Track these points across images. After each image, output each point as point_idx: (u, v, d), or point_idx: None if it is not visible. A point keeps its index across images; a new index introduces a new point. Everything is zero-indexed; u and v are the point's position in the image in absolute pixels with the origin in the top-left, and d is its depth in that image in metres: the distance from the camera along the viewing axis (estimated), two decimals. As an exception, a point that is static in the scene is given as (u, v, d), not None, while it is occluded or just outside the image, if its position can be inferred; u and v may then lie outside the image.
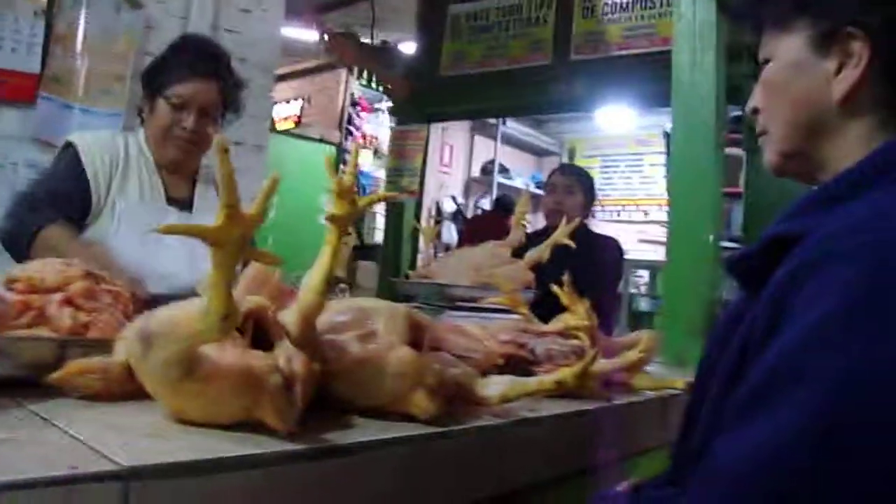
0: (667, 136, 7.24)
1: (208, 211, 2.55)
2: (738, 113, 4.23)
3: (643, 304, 7.10)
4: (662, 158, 8.80)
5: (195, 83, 2.49)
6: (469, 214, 10.23)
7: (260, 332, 1.12)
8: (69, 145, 2.47)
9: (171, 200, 2.56)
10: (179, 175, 2.62)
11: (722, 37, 3.01)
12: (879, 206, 1.03)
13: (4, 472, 0.78)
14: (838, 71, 1.20)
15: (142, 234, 2.34)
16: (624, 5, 4.94)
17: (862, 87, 1.18)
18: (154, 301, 2.07)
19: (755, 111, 1.35)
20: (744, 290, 1.23)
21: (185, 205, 2.61)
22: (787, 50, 1.27)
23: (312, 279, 1.12)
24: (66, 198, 2.37)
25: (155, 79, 2.54)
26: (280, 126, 8.99)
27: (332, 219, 1.11)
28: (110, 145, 2.49)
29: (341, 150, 9.41)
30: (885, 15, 1.16)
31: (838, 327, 0.90)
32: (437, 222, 8.85)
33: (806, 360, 0.91)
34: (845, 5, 1.19)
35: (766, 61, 1.32)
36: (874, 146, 1.17)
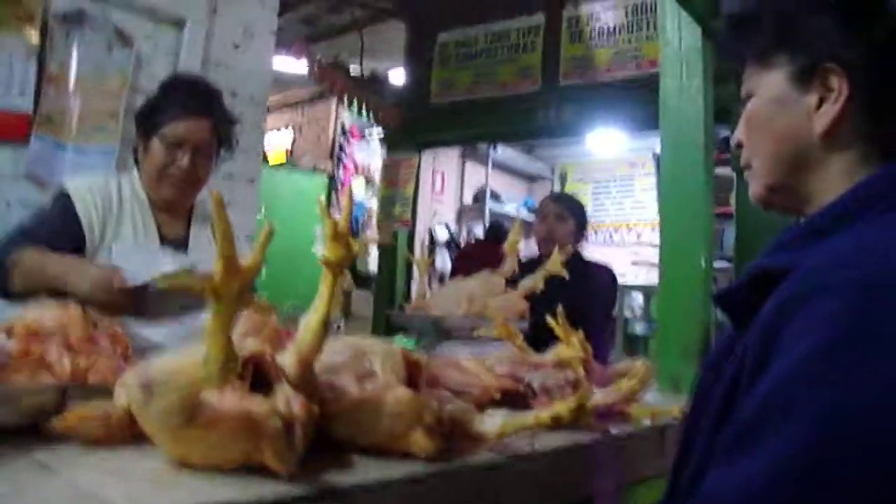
0: (657, 158, 7.29)
1: (203, 250, 2.56)
2: (728, 134, 4.26)
3: (638, 328, 7.11)
4: (653, 181, 8.85)
5: (189, 122, 2.50)
6: (462, 241, 10.24)
7: (259, 375, 1.13)
8: (62, 193, 2.48)
9: (165, 240, 2.56)
10: (173, 214, 2.62)
11: (709, 61, 3.04)
12: (862, 239, 1.05)
13: (9, 523, 0.80)
14: (819, 105, 1.22)
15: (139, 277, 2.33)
16: (611, 30, 4.99)
17: (842, 122, 1.20)
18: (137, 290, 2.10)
19: (739, 145, 1.38)
20: (733, 323, 1.24)
21: (180, 244, 2.61)
22: (768, 85, 1.29)
23: (310, 321, 1.13)
24: (56, 240, 2.35)
25: (149, 119, 2.54)
26: (272, 156, 9.01)
27: (327, 263, 1.12)
28: (104, 191, 2.49)
29: (333, 180, 9.44)
30: (861, 50, 1.19)
31: (823, 361, 0.92)
32: (431, 251, 8.86)
33: (793, 394, 0.92)
34: (823, 41, 1.22)
35: (749, 96, 1.34)
36: (857, 179, 1.19)
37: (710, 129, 3.06)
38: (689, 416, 1.31)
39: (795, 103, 1.24)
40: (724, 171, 4.06)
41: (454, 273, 6.29)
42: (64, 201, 2.45)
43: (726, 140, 4.27)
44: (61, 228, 2.40)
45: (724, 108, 3.24)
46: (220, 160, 2.66)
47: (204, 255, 2.59)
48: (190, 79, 2.74)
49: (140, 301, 2.12)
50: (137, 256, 2.41)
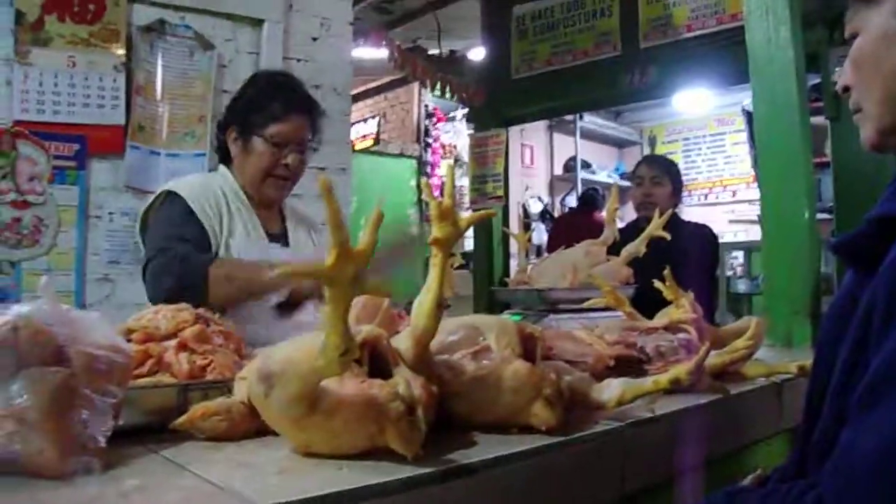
0: (747, 113, 7.11)
1: (302, 246, 2.57)
2: (817, 81, 4.14)
3: (741, 286, 6.97)
4: (744, 136, 8.65)
5: (293, 121, 2.50)
6: (556, 213, 10.17)
7: (376, 360, 1.13)
8: (173, 195, 2.46)
9: (269, 236, 2.57)
10: (270, 211, 2.64)
11: (796, 7, 2.94)
12: None
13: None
14: None
15: None
16: (687, -13, 4.88)
17: None
18: None
19: (846, 89, 1.31)
20: (854, 271, 1.19)
21: (282, 240, 2.63)
22: (875, 23, 1.22)
23: (423, 303, 1.12)
24: (198, 239, 2.38)
25: (248, 118, 2.53)
26: (359, 145, 9.08)
27: (436, 242, 1.11)
28: (208, 190, 2.50)
29: (421, 163, 9.46)
30: None
31: None
32: (527, 226, 8.82)
33: None
34: None
35: (854, 36, 1.27)
36: None
37: (803, 78, 2.96)
38: (814, 371, 1.27)
39: None
40: (818, 119, 3.94)
41: (551, 245, 6.24)
42: (180, 204, 2.43)
43: (817, 87, 4.14)
44: (195, 230, 2.40)
45: (814, 55, 3.14)
46: (312, 153, 2.66)
47: (303, 251, 2.61)
48: (284, 77, 2.73)
49: None
50: (253, 251, 2.43)
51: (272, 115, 2.49)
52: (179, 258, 2.29)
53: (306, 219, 2.81)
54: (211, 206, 2.45)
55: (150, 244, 2.44)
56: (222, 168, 2.64)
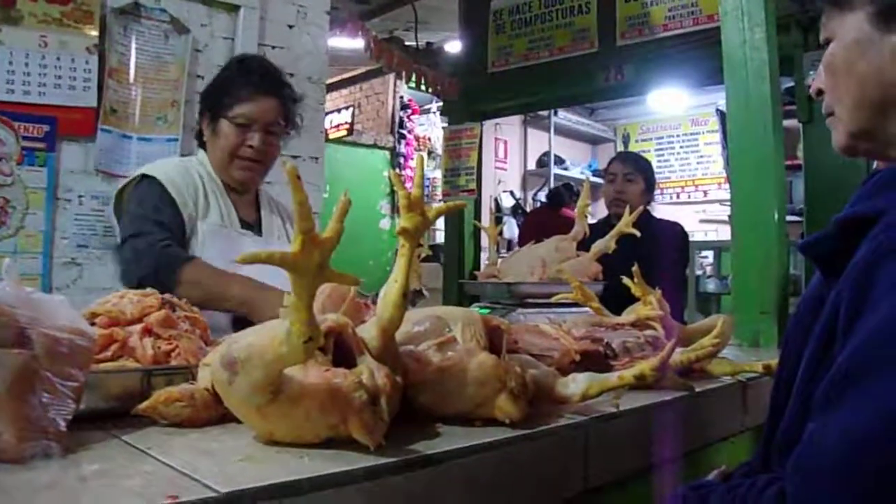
0: (720, 113, 7.15)
1: (274, 235, 2.57)
2: (791, 84, 4.17)
3: (710, 286, 7.02)
4: (718, 137, 8.71)
5: (259, 102, 2.49)
6: (528, 208, 10.20)
7: (341, 349, 1.13)
8: (150, 178, 2.46)
9: (242, 223, 2.57)
10: (245, 198, 2.63)
11: (771, 10, 2.96)
12: None
13: (106, 504, 0.80)
14: None
15: (223, 258, 2.30)
16: (664, -14, 4.90)
17: None
18: None
19: (819, 93, 1.32)
20: (822, 272, 1.21)
21: (255, 228, 2.62)
22: (848, 28, 1.24)
23: (389, 293, 1.12)
24: (173, 225, 2.38)
25: (216, 101, 2.54)
26: (332, 135, 9.05)
27: (403, 232, 1.11)
28: (185, 175, 2.49)
29: (395, 155, 9.46)
30: None
31: None
32: (498, 220, 8.84)
33: (893, 342, 0.89)
34: None
35: (828, 41, 1.29)
36: None
37: (776, 80, 2.98)
38: (780, 369, 1.28)
39: (878, 44, 1.19)
40: (790, 122, 3.97)
41: (522, 240, 6.25)
42: (157, 187, 2.43)
43: (790, 90, 4.18)
44: (171, 215, 2.39)
45: (788, 58, 3.16)
46: (286, 140, 2.65)
47: (276, 241, 2.60)
48: (254, 59, 2.73)
49: None
50: (221, 237, 2.43)
51: (238, 97, 2.49)
52: (160, 246, 2.29)
53: (282, 208, 2.79)
54: (188, 191, 2.45)
55: (127, 224, 2.43)
56: (200, 153, 2.64)
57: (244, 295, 2.18)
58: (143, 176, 2.47)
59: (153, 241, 2.29)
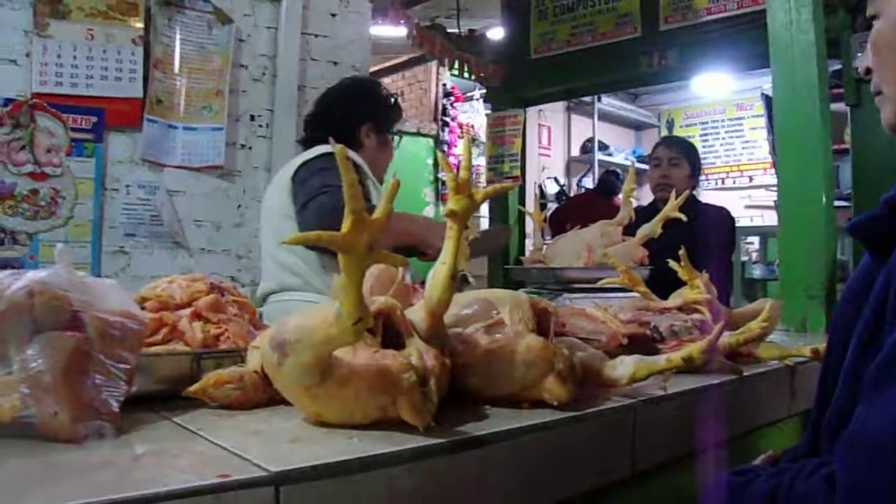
0: (766, 98, 7.06)
1: None
2: (838, 67, 4.10)
3: (756, 271, 6.96)
4: (763, 121, 8.60)
5: None
6: (571, 194, 10.15)
7: (390, 331, 1.13)
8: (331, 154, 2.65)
9: None
10: None
11: (817, -10, 2.91)
12: None
13: (158, 482, 0.81)
14: None
15: None
16: (709, -32, 4.84)
17: None
18: None
19: (868, 71, 1.29)
20: (870, 253, 1.19)
21: None
22: (894, 5, 1.21)
23: (438, 274, 1.12)
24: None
25: (391, 118, 3.09)
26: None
27: (451, 214, 1.11)
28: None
29: (438, 142, 9.44)
30: None
31: None
32: (543, 206, 8.81)
33: None
34: None
35: (874, 18, 1.26)
36: None
37: (823, 63, 2.93)
38: (828, 353, 1.26)
39: None
40: (837, 106, 3.90)
41: (555, 225, 6.22)
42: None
43: (837, 73, 4.11)
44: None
45: (834, 41, 3.10)
46: None
47: None
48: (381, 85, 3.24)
49: None
50: None
51: (395, 118, 3.11)
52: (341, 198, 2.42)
53: None
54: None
55: (312, 186, 2.62)
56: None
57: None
58: (327, 153, 2.74)
59: (339, 196, 2.37)
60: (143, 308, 1.35)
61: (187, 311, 1.44)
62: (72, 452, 0.93)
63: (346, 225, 0.92)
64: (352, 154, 2.78)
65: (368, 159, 2.89)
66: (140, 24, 3.81)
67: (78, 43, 3.66)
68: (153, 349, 1.32)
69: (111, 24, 3.74)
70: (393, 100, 3.11)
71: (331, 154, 2.53)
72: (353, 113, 2.97)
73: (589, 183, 10.20)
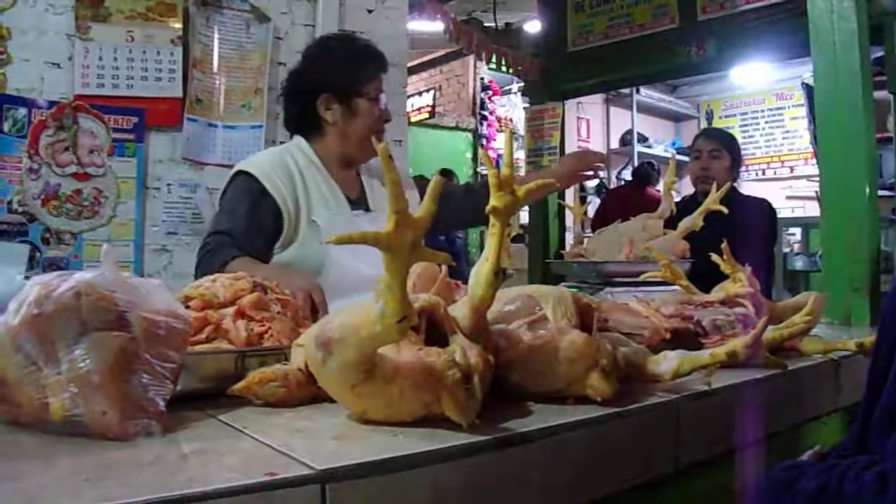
0: (806, 87, 6.98)
1: (381, 203, 2.58)
2: (881, 53, 4.04)
3: (798, 263, 6.88)
4: (803, 111, 8.51)
5: (380, 76, 2.59)
6: (611, 186, 10.12)
7: (433, 328, 1.13)
8: (245, 174, 2.47)
9: (350, 203, 2.59)
10: (348, 175, 2.65)
11: (860, -24, 2.87)
12: None
13: (207, 480, 0.83)
14: None
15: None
16: (747, -43, 4.79)
17: None
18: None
19: None
20: None
21: (363, 204, 2.65)
22: None
23: (481, 272, 1.12)
24: (257, 230, 2.39)
25: (346, 82, 2.56)
26: (414, 118, 9.09)
27: (494, 211, 1.10)
28: (283, 166, 2.50)
29: (477, 136, 9.45)
30: None
31: None
32: (583, 199, 8.78)
33: None
34: None
35: None
36: None
37: (866, 50, 2.89)
38: (877, 348, 1.25)
39: None
40: (881, 94, 3.85)
41: (597, 220, 6.20)
42: (250, 183, 2.45)
43: (879, 59, 4.05)
44: (262, 217, 2.42)
45: (877, 27, 3.06)
46: None
47: (383, 209, 2.58)
48: (349, 36, 2.77)
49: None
50: (339, 223, 2.43)
51: (366, 74, 2.56)
52: (210, 249, 2.34)
53: (374, 170, 2.79)
54: (284, 182, 2.45)
55: (214, 220, 2.52)
56: (297, 139, 2.64)
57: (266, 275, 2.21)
58: (239, 173, 2.50)
59: (223, 240, 2.33)
60: (187, 307, 1.37)
61: (231, 309, 1.45)
62: (121, 450, 0.95)
63: (389, 224, 0.92)
64: (286, 150, 2.61)
65: (339, 136, 2.58)
66: (178, 25, 3.84)
67: (118, 45, 3.70)
68: (198, 348, 1.33)
69: (150, 26, 3.78)
70: (352, 52, 2.62)
71: (239, 175, 2.48)
72: (305, 89, 2.61)
73: (628, 175, 10.15)
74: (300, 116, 2.63)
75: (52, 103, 3.55)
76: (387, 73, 2.64)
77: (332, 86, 2.56)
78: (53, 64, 3.59)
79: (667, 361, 1.33)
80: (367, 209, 2.62)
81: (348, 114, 2.55)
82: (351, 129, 2.57)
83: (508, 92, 9.88)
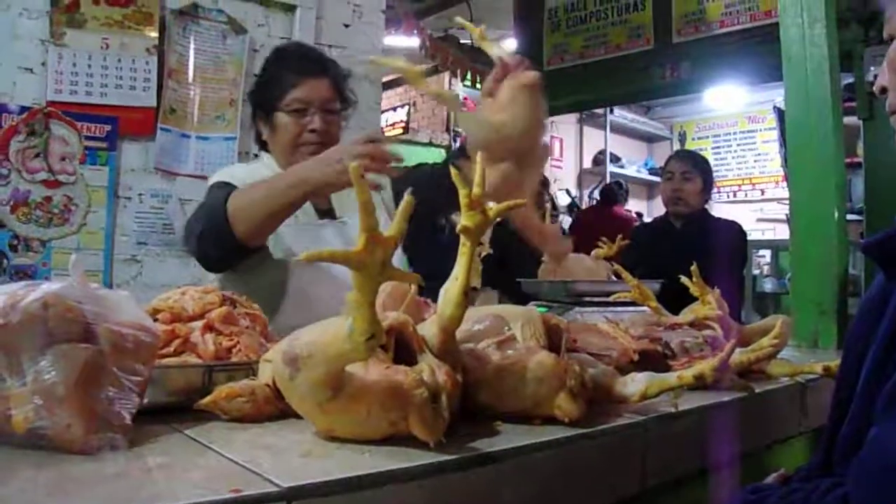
0: (778, 111, 7.05)
1: (350, 213, 2.49)
2: (851, 80, 4.10)
3: (767, 285, 6.93)
4: (775, 134, 8.60)
5: (309, 84, 2.41)
6: (583, 206, 10.18)
7: (402, 347, 1.13)
8: (224, 184, 2.37)
9: (318, 213, 2.49)
10: None
11: (830, 5, 2.90)
12: None
13: (172, 496, 0.82)
14: None
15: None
16: (721, -18, 4.86)
17: None
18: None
19: (883, 90, 1.29)
20: (885, 272, 1.18)
21: (330, 213, 2.53)
22: None
23: (450, 292, 1.12)
24: None
25: (266, 95, 2.46)
26: (388, 133, 9.10)
27: (465, 230, 1.11)
28: (256, 178, 2.34)
29: (451, 153, 9.48)
30: None
31: None
32: (555, 218, 8.80)
33: None
34: None
35: (892, 39, 1.26)
36: None
37: (837, 76, 2.93)
38: (841, 371, 1.26)
39: None
40: (850, 119, 3.90)
41: (574, 238, 6.23)
42: (230, 190, 2.29)
43: (850, 86, 4.10)
44: None
45: (848, 54, 3.10)
46: (346, 118, 2.57)
47: (353, 218, 2.52)
48: (291, 45, 2.70)
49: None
50: (305, 236, 2.37)
51: (287, 85, 2.41)
52: (202, 206, 2.29)
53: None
54: None
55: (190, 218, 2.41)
56: (264, 156, 2.58)
57: (292, 176, 2.12)
58: (219, 182, 2.42)
59: (199, 207, 2.31)
60: (155, 320, 1.36)
61: (199, 323, 1.44)
62: (85, 464, 0.94)
63: (359, 243, 0.92)
64: (257, 165, 2.57)
65: (275, 152, 2.49)
66: (154, 34, 3.83)
67: (93, 52, 3.68)
68: (165, 361, 1.32)
69: (126, 34, 3.76)
70: (275, 61, 2.55)
71: (218, 184, 2.39)
72: (251, 105, 2.55)
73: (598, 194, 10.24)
74: (257, 132, 2.58)
75: (23, 109, 3.52)
76: (328, 78, 2.46)
77: (256, 102, 2.53)
78: (26, 69, 3.57)
79: (634, 383, 1.34)
80: (334, 217, 2.53)
81: (272, 130, 2.47)
82: (276, 146, 2.48)
83: (484, 109, 9.92)
